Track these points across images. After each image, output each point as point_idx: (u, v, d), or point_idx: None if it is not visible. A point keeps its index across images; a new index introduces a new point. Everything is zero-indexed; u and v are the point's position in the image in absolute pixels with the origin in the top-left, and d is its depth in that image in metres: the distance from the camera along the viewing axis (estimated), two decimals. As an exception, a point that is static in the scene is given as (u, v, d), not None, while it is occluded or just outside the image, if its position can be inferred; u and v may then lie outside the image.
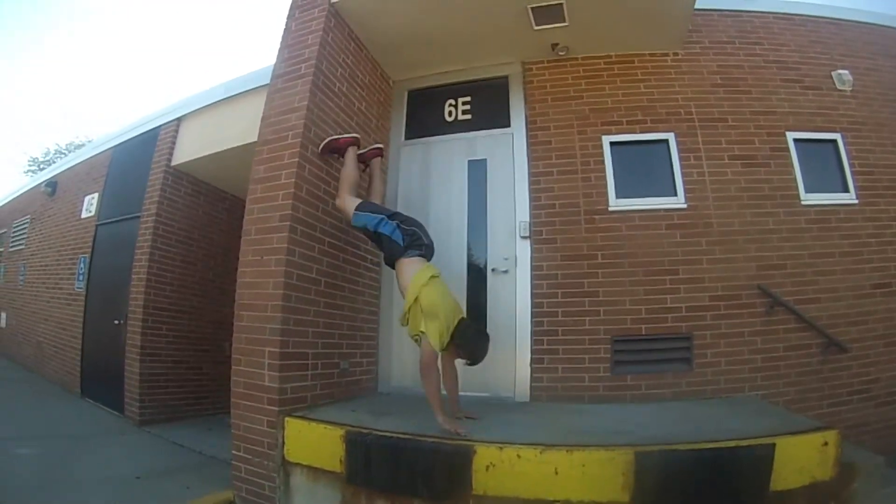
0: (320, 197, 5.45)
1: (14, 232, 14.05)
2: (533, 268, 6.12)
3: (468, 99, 6.96)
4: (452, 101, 7.01)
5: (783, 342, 5.81)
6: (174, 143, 8.61)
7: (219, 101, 8.07)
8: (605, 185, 6.17)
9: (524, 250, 6.18)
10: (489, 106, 6.85)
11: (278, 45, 5.88)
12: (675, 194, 6.11)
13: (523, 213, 6.26)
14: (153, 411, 7.89)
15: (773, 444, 3.78)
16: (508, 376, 5.98)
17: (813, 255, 6.06)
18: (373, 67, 6.70)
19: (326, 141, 5.53)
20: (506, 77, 6.84)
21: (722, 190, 6.12)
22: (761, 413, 4.91)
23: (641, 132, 6.34)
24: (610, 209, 6.11)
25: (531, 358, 5.93)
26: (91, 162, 10.74)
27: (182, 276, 8.63)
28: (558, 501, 3.72)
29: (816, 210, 6.19)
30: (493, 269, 6.30)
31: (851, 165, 6.40)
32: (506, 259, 6.24)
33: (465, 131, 6.85)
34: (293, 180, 5.07)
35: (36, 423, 7.28)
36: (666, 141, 6.28)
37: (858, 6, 7.26)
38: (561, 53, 6.56)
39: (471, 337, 4.61)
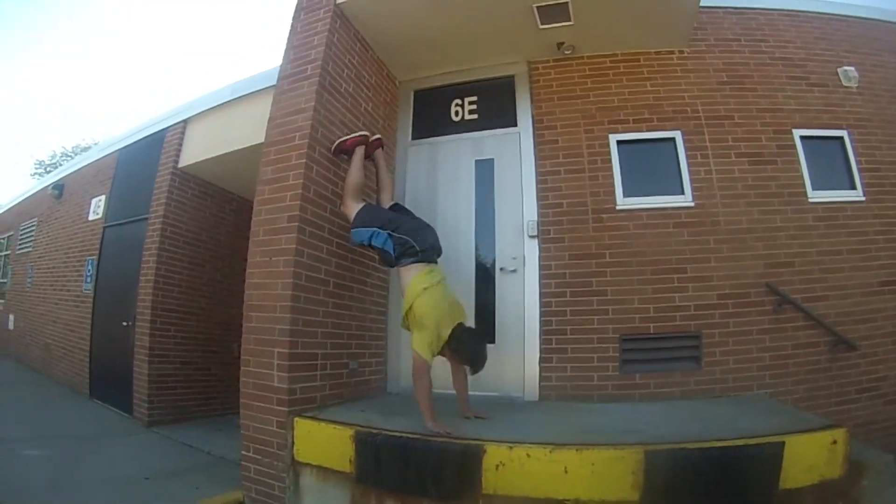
0: (328, 198, 5.45)
1: (21, 235, 14.12)
2: (541, 267, 6.12)
3: (474, 99, 6.96)
4: (459, 101, 7.00)
5: (791, 340, 5.80)
6: (181, 145, 8.63)
7: (225, 102, 8.08)
8: (613, 184, 6.17)
9: (532, 249, 6.18)
10: (496, 105, 6.83)
11: (284, 47, 5.87)
12: (683, 192, 6.10)
13: (531, 213, 6.26)
14: (161, 412, 7.93)
15: (783, 443, 3.76)
16: (517, 376, 5.97)
17: (821, 253, 6.04)
18: (379, 68, 6.70)
19: (336, 144, 5.54)
20: (512, 76, 6.83)
21: (729, 188, 6.11)
22: (770, 411, 4.90)
23: (648, 130, 6.33)
24: (617, 208, 6.10)
25: (540, 357, 5.93)
26: (98, 164, 10.78)
27: (190, 278, 8.66)
28: (568, 500, 3.71)
29: (824, 207, 6.18)
30: (501, 269, 6.29)
31: (858, 162, 6.38)
32: (514, 258, 6.24)
33: (471, 131, 6.84)
34: (301, 181, 5.08)
35: (44, 424, 7.31)
36: (673, 139, 6.27)
37: (863, 3, 7.24)
38: (566, 52, 6.55)
39: (466, 343, 4.65)
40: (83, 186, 11.06)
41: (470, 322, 5.14)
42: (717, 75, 6.54)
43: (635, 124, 6.36)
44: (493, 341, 6.03)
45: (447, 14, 5.94)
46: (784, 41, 6.80)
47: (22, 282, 13.40)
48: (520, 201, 6.34)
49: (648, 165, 6.26)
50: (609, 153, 6.27)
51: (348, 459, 4.32)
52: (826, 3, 7.13)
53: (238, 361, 5.15)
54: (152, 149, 9.04)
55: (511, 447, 3.85)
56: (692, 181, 6.11)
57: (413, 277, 4.75)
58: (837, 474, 3.88)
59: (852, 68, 6.68)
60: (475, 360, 4.66)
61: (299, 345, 4.89)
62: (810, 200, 6.18)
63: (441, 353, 4.64)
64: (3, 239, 16.04)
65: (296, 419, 4.69)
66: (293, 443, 4.66)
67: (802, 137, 6.36)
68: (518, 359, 5.99)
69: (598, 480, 3.69)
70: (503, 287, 6.27)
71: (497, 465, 3.84)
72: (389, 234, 4.92)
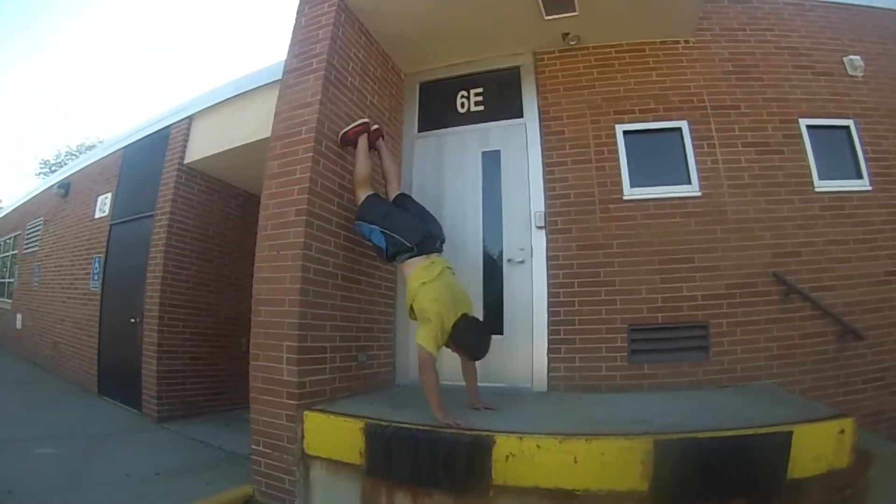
0: (335, 191, 5.46)
1: (27, 234, 14.17)
2: (549, 258, 6.12)
3: (480, 90, 6.95)
4: (465, 93, 7.00)
5: (799, 330, 5.80)
6: (186, 141, 8.64)
7: (230, 98, 8.08)
8: (620, 174, 6.16)
9: (539, 240, 6.18)
10: (502, 97, 6.83)
11: (289, 41, 5.87)
12: (690, 182, 6.10)
13: (538, 204, 6.25)
14: (171, 408, 7.96)
15: (791, 433, 3.77)
16: (526, 367, 5.98)
17: (827, 243, 6.04)
18: (384, 61, 6.69)
19: (339, 136, 5.55)
20: (517, 67, 6.82)
21: (736, 177, 6.10)
22: (778, 401, 4.90)
23: (654, 120, 6.31)
24: (624, 198, 6.10)
25: (548, 348, 5.93)
26: (103, 162, 10.80)
27: (197, 273, 8.69)
28: (577, 491, 3.72)
29: (830, 197, 6.17)
30: (508, 260, 6.31)
31: (865, 152, 6.36)
32: (521, 249, 6.25)
33: (478, 122, 6.84)
34: (308, 175, 5.08)
35: (54, 423, 7.33)
36: (679, 129, 6.26)
37: (868, -9, 7.22)
38: (572, 43, 6.53)
39: (468, 335, 4.66)
40: (89, 185, 11.09)
41: (477, 312, 5.11)
42: (722, 65, 6.52)
43: (641, 114, 6.34)
44: (501, 332, 6.08)
45: (452, 6, 5.93)
46: (789, 30, 6.78)
47: (29, 281, 13.44)
48: (527, 192, 6.34)
49: (655, 155, 6.25)
50: (615, 143, 6.26)
51: (358, 452, 4.33)
52: (831, -9, 7.10)
53: (246, 356, 5.17)
54: (157, 145, 9.05)
55: (521, 438, 3.86)
56: (699, 171, 6.10)
57: (413, 272, 4.79)
58: (845, 464, 3.89)
59: (858, 57, 6.65)
60: (476, 349, 4.70)
61: (308, 338, 4.89)
62: (817, 190, 6.17)
63: (447, 344, 4.65)
64: (10, 239, 16.10)
65: (305, 412, 4.70)
66: (303, 436, 4.68)
67: (809, 127, 6.34)
68: (526, 350, 6.00)
69: (607, 470, 3.71)
70: (511, 278, 6.28)
71: (507, 456, 3.84)
72: (382, 231, 4.95)
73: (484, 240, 6.48)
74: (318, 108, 5.29)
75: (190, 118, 8.70)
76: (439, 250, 5.05)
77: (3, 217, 17.88)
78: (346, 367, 5.46)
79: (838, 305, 5.84)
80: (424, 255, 4.88)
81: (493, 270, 6.38)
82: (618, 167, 6.19)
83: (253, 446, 4.96)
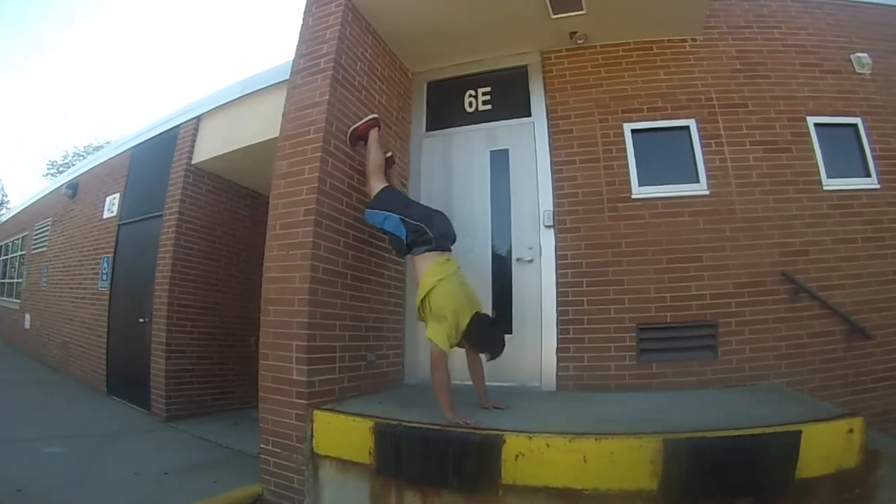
0: (344, 191, 5.47)
1: (36, 235, 14.23)
2: (557, 257, 6.12)
3: (488, 89, 6.95)
4: (472, 92, 7.00)
5: (807, 329, 5.78)
6: (194, 141, 8.67)
7: (238, 98, 8.10)
8: (628, 173, 6.16)
9: (548, 239, 6.18)
10: (509, 96, 6.83)
11: (296, 41, 5.88)
12: (698, 181, 6.08)
13: (546, 203, 6.26)
14: (179, 407, 8.00)
15: (799, 432, 3.76)
16: (535, 366, 5.99)
17: (836, 241, 6.02)
18: (391, 60, 6.70)
19: (349, 132, 5.56)
20: (525, 66, 6.83)
21: (744, 176, 6.09)
22: (787, 400, 4.90)
23: (662, 119, 6.31)
24: (633, 197, 6.09)
25: (557, 347, 5.93)
26: (111, 163, 10.84)
27: (206, 273, 8.72)
28: (587, 490, 3.72)
29: (838, 195, 6.15)
30: (517, 259, 6.31)
31: (873, 150, 6.33)
32: (530, 248, 6.25)
33: (485, 122, 6.84)
34: (317, 174, 5.09)
35: (63, 422, 7.35)
36: (687, 127, 6.25)
37: (876, -12, 7.20)
38: (579, 42, 6.53)
39: (485, 333, 4.66)
40: (97, 185, 11.13)
41: (486, 311, 5.09)
42: (730, 63, 6.51)
43: (649, 113, 6.34)
44: (510, 331, 6.02)
45: (458, 5, 5.94)
46: (797, 28, 6.76)
47: (37, 281, 13.49)
48: (535, 191, 6.34)
49: (663, 154, 6.25)
50: (624, 142, 6.25)
51: (368, 451, 4.33)
52: (838, -12, 7.08)
53: (254, 355, 5.19)
54: (165, 146, 9.09)
55: (530, 437, 3.86)
56: (707, 169, 6.09)
57: (427, 267, 4.75)
58: (854, 463, 3.88)
59: (865, 55, 6.63)
60: (494, 348, 4.65)
61: (317, 337, 4.90)
62: (825, 188, 6.14)
63: (459, 343, 4.64)
64: (18, 239, 16.17)
65: (315, 412, 4.71)
66: (312, 435, 4.68)
67: (817, 125, 6.32)
68: (535, 349, 6.00)
69: (616, 469, 3.71)
70: (520, 277, 6.28)
71: (516, 455, 3.85)
72: (402, 219, 4.92)
73: (492, 239, 6.47)
74: (327, 107, 5.30)
75: (198, 118, 8.73)
76: (449, 250, 5.04)
77: (11, 217, 17.99)
78: (356, 366, 5.46)
79: (846, 304, 5.82)
80: (439, 251, 4.87)
81: (501, 269, 6.38)
82: (626, 166, 6.18)
83: (262, 445, 4.97)
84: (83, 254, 10.95)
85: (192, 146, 8.65)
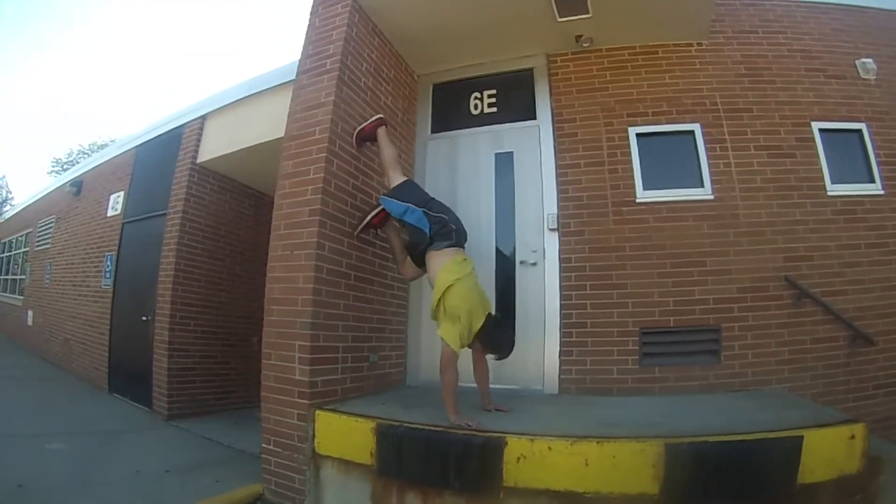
0: (349, 191, 5.48)
1: (39, 232, 14.25)
2: (561, 260, 6.12)
3: (493, 92, 6.96)
4: (478, 95, 7.01)
5: (810, 334, 5.78)
6: (199, 140, 8.69)
7: (243, 97, 8.12)
8: (632, 177, 6.16)
9: (552, 242, 6.18)
10: (515, 98, 6.83)
11: (302, 42, 5.89)
12: (702, 185, 6.09)
13: (551, 206, 6.25)
14: (181, 406, 8.01)
15: (801, 437, 3.76)
16: (537, 369, 5.99)
17: (840, 247, 6.01)
18: (397, 62, 6.71)
19: (356, 132, 5.58)
20: (531, 69, 6.83)
21: (748, 181, 6.09)
22: (789, 405, 4.89)
23: (667, 123, 6.30)
24: (637, 201, 6.09)
25: (560, 350, 5.93)
26: (116, 161, 10.87)
27: (209, 272, 8.73)
28: (588, 493, 3.72)
29: (843, 201, 6.14)
30: (521, 262, 6.31)
31: (877, 155, 6.31)
32: (534, 251, 6.25)
33: (491, 124, 6.84)
34: (322, 175, 5.10)
35: (65, 419, 7.37)
36: (692, 132, 6.24)
37: (881, -6, 7.20)
38: (585, 45, 6.53)
39: (498, 334, 4.71)
40: (101, 183, 11.15)
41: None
42: (735, 67, 6.51)
43: (654, 117, 6.34)
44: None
45: (464, 7, 5.94)
46: (801, 33, 6.76)
47: (41, 278, 13.52)
48: (539, 194, 6.34)
49: (668, 158, 6.25)
50: (628, 146, 6.26)
51: (369, 452, 4.34)
52: (843, -6, 7.08)
53: (257, 354, 5.21)
54: (170, 145, 9.10)
55: (532, 440, 3.87)
56: (711, 174, 6.09)
57: (444, 265, 4.72)
58: (856, 469, 3.88)
59: (870, 60, 6.62)
60: (505, 348, 4.71)
61: (321, 338, 4.91)
62: (829, 194, 6.14)
63: (470, 344, 4.65)
64: (22, 236, 16.21)
65: (317, 412, 4.72)
66: (314, 435, 4.70)
67: (821, 130, 6.32)
68: (538, 352, 6.00)
69: (618, 473, 3.71)
70: (523, 280, 6.28)
71: (518, 458, 3.85)
72: (425, 212, 4.91)
73: (497, 241, 6.47)
74: (332, 108, 5.30)
75: (203, 118, 8.74)
76: (464, 248, 5.04)
77: (15, 214, 18.02)
78: (358, 367, 5.47)
79: (850, 310, 5.81)
80: (456, 249, 4.87)
81: (505, 272, 6.38)
82: (630, 169, 6.19)
83: (263, 445, 4.98)
84: (87, 251, 10.98)
85: (197, 145, 8.66)
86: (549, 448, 3.81)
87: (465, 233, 5.04)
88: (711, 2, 6.11)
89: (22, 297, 15.18)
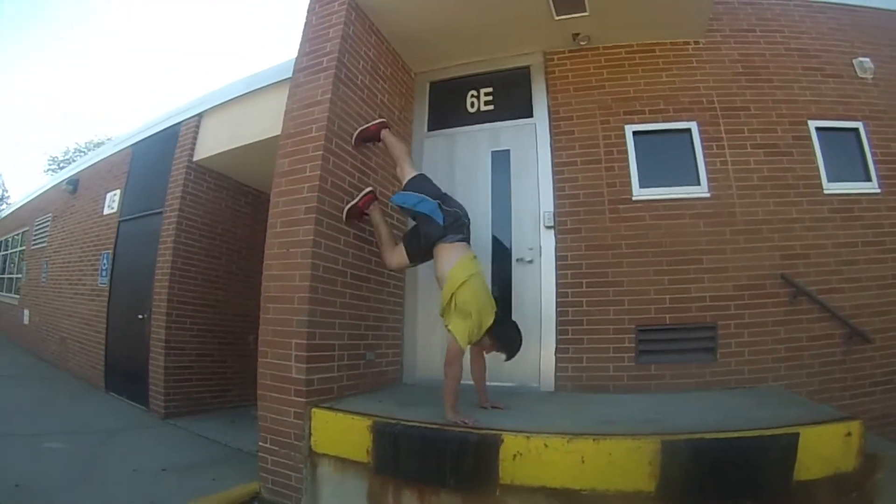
0: (345, 189, 5.47)
1: (36, 230, 14.22)
2: (557, 258, 6.12)
3: (490, 90, 6.96)
4: (475, 92, 7.01)
5: (806, 332, 5.78)
6: (196, 138, 8.68)
7: (240, 95, 8.12)
8: (629, 175, 6.16)
9: (548, 240, 6.18)
10: (511, 96, 6.84)
11: (299, 39, 5.89)
12: (699, 184, 6.08)
13: (547, 203, 6.26)
14: (178, 404, 8.01)
15: (798, 434, 3.76)
16: (534, 366, 5.99)
17: (836, 245, 6.01)
18: (394, 60, 6.71)
19: (356, 134, 5.59)
20: (527, 67, 6.82)
21: (745, 179, 6.09)
22: (785, 403, 4.90)
23: (664, 121, 6.31)
24: (634, 199, 6.09)
25: (556, 348, 5.94)
26: (112, 159, 10.85)
27: (206, 270, 8.73)
28: (584, 491, 3.72)
29: (839, 199, 6.15)
30: (517, 260, 6.31)
31: (874, 154, 6.32)
32: (530, 249, 6.25)
33: (488, 122, 6.84)
34: (318, 173, 5.09)
35: (61, 418, 7.36)
36: (689, 130, 6.24)
37: (878, -7, 7.20)
38: (582, 43, 6.53)
39: (512, 334, 4.76)
40: (98, 181, 11.14)
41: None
42: (732, 66, 6.51)
43: (651, 115, 6.34)
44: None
45: (461, 5, 5.94)
46: (799, 32, 6.76)
47: (37, 277, 13.50)
48: (536, 192, 6.35)
49: (664, 156, 6.25)
50: (625, 144, 6.26)
51: (366, 450, 4.34)
52: (841, -7, 7.08)
53: (254, 353, 5.20)
54: (167, 143, 9.09)
55: (528, 437, 3.86)
56: (708, 172, 6.09)
57: (458, 261, 4.74)
58: (852, 467, 3.88)
59: (867, 59, 6.63)
60: (515, 348, 4.76)
61: (317, 336, 4.91)
62: (825, 192, 6.14)
63: (478, 342, 4.68)
64: (18, 235, 16.17)
65: (313, 410, 4.72)
66: (310, 433, 4.69)
67: (818, 129, 6.32)
68: (534, 349, 5.98)
69: (614, 470, 3.71)
70: (520, 277, 6.28)
71: (514, 455, 3.85)
72: (439, 204, 4.93)
73: (493, 239, 6.47)
74: (329, 106, 5.30)
75: (200, 115, 8.74)
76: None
77: (11, 213, 18.00)
78: (355, 364, 5.47)
79: (846, 308, 5.82)
80: (466, 245, 4.91)
81: (501, 270, 6.37)
82: (627, 168, 6.19)
83: (260, 443, 4.98)
84: (83, 250, 10.96)
85: (194, 143, 8.66)
86: (546, 445, 3.81)
87: (470, 230, 5.06)
88: (709, 0, 6.11)
89: (18, 296, 15.14)
